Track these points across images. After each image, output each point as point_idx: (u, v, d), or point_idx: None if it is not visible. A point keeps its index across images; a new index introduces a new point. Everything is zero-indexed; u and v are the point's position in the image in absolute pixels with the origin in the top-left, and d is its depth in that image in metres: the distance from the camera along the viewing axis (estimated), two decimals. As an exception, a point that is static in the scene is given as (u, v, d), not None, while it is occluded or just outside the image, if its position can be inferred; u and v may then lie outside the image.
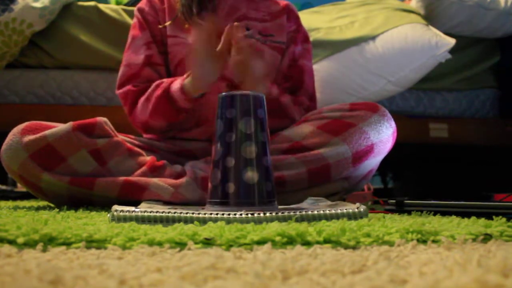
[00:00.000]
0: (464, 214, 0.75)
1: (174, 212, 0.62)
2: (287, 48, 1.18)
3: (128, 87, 1.08)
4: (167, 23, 1.11)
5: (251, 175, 0.72)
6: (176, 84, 0.99)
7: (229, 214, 0.63)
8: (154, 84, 1.05)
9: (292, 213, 0.63)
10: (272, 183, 0.75)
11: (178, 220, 0.61)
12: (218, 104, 0.76)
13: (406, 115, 1.71)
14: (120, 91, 1.09)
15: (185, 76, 0.99)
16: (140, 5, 1.15)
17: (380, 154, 0.98)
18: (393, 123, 0.99)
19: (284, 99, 1.10)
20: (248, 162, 0.72)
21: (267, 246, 0.44)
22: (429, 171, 2.24)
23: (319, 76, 1.51)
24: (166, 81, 1.03)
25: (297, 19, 1.22)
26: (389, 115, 0.98)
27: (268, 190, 0.73)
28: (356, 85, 1.55)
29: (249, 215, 0.62)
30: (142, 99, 1.06)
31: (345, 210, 0.65)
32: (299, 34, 1.20)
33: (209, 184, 0.75)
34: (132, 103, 1.08)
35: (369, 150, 0.96)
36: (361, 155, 0.95)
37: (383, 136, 0.97)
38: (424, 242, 0.49)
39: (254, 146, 0.73)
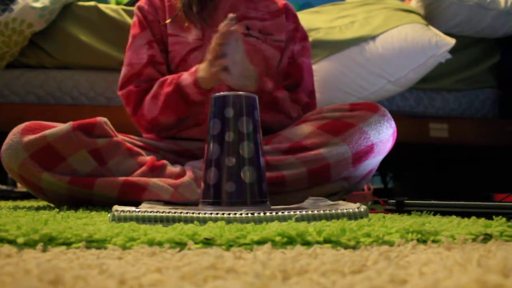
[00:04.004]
0: (464, 214, 0.75)
1: (174, 212, 0.62)
2: (286, 46, 1.19)
3: (130, 87, 1.08)
4: (168, 21, 1.11)
5: (249, 174, 0.72)
6: (187, 79, 1.01)
7: (229, 214, 0.63)
8: (158, 82, 1.06)
9: (292, 213, 0.63)
10: (265, 183, 0.75)
11: (178, 220, 0.61)
12: (212, 104, 0.76)
13: (406, 115, 1.71)
14: (122, 91, 1.09)
15: (193, 69, 1.02)
16: (140, 3, 1.15)
17: (380, 154, 0.98)
18: (393, 123, 0.99)
19: (279, 94, 1.11)
20: (246, 161, 0.73)
21: (267, 246, 0.44)
22: (429, 171, 2.24)
23: (319, 76, 1.51)
24: (171, 77, 1.05)
25: (295, 17, 1.22)
26: (389, 115, 0.98)
27: (263, 190, 0.74)
28: (356, 85, 1.55)
29: (249, 215, 0.62)
30: (148, 97, 1.07)
31: (345, 210, 0.65)
32: (298, 33, 1.21)
33: (202, 184, 0.75)
34: (135, 103, 1.08)
35: (369, 150, 0.96)
36: (361, 155, 0.95)
37: (383, 136, 0.97)
38: (424, 242, 0.49)
39: (252, 145, 0.74)
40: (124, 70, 1.11)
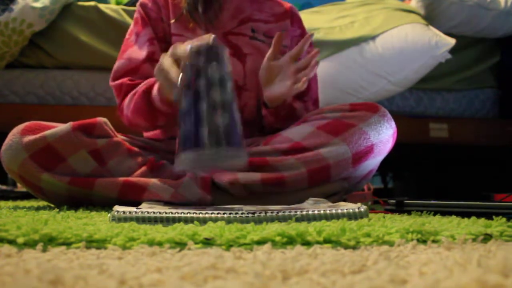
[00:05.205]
0: (464, 214, 0.75)
1: (174, 212, 0.62)
2: None
3: (124, 79, 1.06)
4: (172, 21, 1.10)
5: (222, 118, 0.72)
6: (155, 84, 0.96)
7: (229, 214, 0.63)
8: (145, 81, 1.02)
9: (292, 213, 0.63)
10: (241, 127, 0.75)
11: (178, 220, 0.61)
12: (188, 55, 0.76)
13: (406, 115, 1.71)
14: (116, 82, 1.07)
15: None
16: (143, 0, 1.14)
17: (380, 154, 0.98)
18: (393, 124, 0.99)
19: (296, 105, 1.10)
20: (219, 105, 0.73)
21: (267, 246, 0.44)
22: (429, 171, 2.24)
23: (319, 76, 1.51)
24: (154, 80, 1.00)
25: (300, 22, 1.22)
26: (389, 115, 0.98)
27: (238, 133, 0.74)
28: (356, 85, 1.55)
29: (249, 215, 0.62)
30: (130, 95, 1.03)
31: (345, 210, 0.65)
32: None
33: (178, 135, 0.74)
34: (124, 96, 1.06)
35: (369, 151, 0.95)
36: (361, 156, 0.95)
37: (383, 136, 0.97)
38: (424, 242, 0.49)
39: (224, 90, 0.74)
40: (122, 62, 1.08)
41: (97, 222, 0.62)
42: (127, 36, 1.13)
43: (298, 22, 1.21)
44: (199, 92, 0.73)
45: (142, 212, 0.62)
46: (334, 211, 0.64)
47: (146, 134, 1.17)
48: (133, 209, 0.64)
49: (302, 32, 1.21)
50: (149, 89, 0.98)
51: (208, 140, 0.72)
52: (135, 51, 1.08)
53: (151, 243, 0.45)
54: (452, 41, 1.53)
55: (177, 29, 1.10)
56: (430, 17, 1.69)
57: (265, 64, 1.01)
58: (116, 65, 1.09)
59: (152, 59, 1.07)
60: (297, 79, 0.95)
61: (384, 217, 0.71)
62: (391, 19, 1.60)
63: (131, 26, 1.14)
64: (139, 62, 1.06)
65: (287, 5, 1.21)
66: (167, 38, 1.10)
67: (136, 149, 0.97)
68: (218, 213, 0.63)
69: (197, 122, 0.72)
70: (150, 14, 1.11)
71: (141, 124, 1.05)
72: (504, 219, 0.63)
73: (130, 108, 1.02)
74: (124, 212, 0.62)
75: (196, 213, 0.62)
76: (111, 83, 1.09)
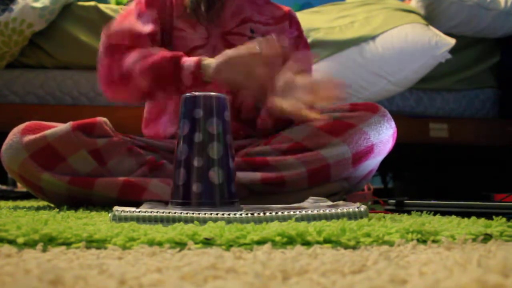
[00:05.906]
0: (464, 214, 0.75)
1: (174, 212, 0.62)
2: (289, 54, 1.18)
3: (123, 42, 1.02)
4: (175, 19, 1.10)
5: (217, 175, 0.72)
6: (191, 58, 0.96)
7: (229, 214, 0.63)
8: (158, 49, 1.01)
9: (292, 213, 0.63)
10: (234, 184, 0.75)
11: (178, 220, 0.61)
12: (182, 104, 0.77)
13: (406, 115, 1.71)
14: (113, 41, 1.03)
15: (202, 58, 0.97)
16: None
17: (380, 154, 0.98)
18: (393, 124, 0.99)
19: None
20: (215, 162, 0.73)
21: (267, 246, 0.44)
22: (429, 171, 2.24)
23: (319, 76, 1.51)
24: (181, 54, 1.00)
25: (298, 25, 1.23)
26: (389, 115, 0.98)
27: (232, 191, 0.74)
28: (356, 85, 1.55)
29: (249, 215, 0.62)
30: (140, 51, 1.00)
31: (345, 210, 0.65)
32: (301, 40, 1.21)
33: (172, 184, 0.75)
34: (115, 51, 1.01)
35: (369, 151, 0.96)
36: (361, 156, 0.95)
37: (383, 136, 0.97)
38: (424, 242, 0.49)
39: (221, 147, 0.74)
40: (121, 25, 1.04)
41: (97, 222, 0.62)
42: (124, 13, 1.09)
43: (296, 24, 1.22)
44: (197, 146, 0.73)
45: (142, 212, 0.62)
46: (334, 211, 0.64)
47: (146, 133, 1.17)
48: (134, 209, 0.64)
49: (299, 34, 1.22)
50: (177, 58, 0.97)
51: (202, 198, 0.72)
52: (138, 25, 1.05)
53: (151, 243, 0.45)
54: (452, 41, 1.53)
55: (179, 24, 1.10)
56: (430, 17, 1.69)
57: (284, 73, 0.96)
58: (115, 27, 1.05)
59: (153, 39, 1.06)
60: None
61: (384, 217, 0.71)
62: (391, 19, 1.60)
63: (129, 8, 1.10)
64: (142, 33, 1.04)
65: (286, 8, 1.23)
66: (168, 30, 1.10)
67: (136, 149, 0.97)
68: (218, 213, 0.63)
69: (190, 177, 0.73)
70: (154, 4, 1.10)
71: (140, 85, 1.00)
72: (504, 219, 0.63)
73: (143, 65, 0.98)
74: (124, 212, 0.62)
75: (196, 213, 0.62)
76: (106, 32, 1.03)
